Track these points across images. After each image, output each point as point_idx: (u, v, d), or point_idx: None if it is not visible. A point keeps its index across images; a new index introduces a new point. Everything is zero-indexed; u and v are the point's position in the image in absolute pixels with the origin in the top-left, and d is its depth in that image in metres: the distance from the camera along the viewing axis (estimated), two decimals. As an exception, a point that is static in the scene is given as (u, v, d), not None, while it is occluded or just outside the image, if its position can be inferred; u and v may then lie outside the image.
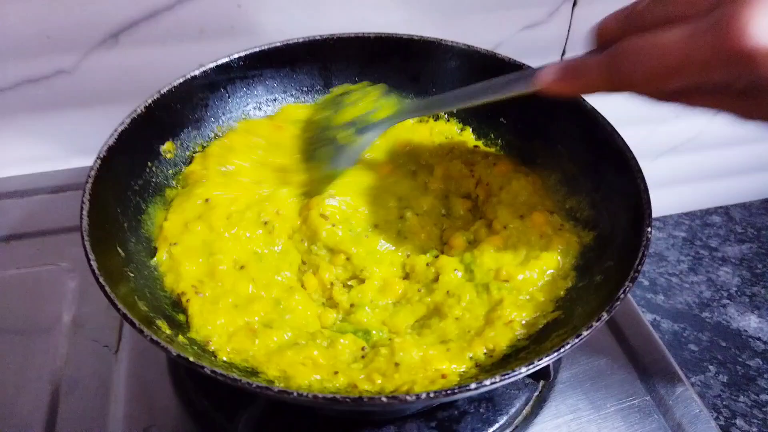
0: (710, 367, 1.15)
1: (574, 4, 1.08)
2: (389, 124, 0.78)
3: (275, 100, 0.91)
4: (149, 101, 0.77)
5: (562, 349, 0.52)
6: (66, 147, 1.05)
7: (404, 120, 0.81)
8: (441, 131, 0.90)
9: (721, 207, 1.48)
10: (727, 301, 1.27)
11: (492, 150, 0.88)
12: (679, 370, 0.79)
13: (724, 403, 1.09)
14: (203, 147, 0.85)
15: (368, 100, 0.80)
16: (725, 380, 1.13)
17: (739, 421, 1.07)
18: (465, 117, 0.90)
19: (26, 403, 0.74)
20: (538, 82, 0.59)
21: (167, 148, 0.81)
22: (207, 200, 0.76)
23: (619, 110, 0.78)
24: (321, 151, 0.80)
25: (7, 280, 0.87)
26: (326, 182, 0.78)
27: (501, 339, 0.63)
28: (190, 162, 0.83)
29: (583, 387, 0.76)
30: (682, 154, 1.41)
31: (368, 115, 0.78)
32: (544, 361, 0.51)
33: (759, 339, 1.20)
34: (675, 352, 1.18)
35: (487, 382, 0.49)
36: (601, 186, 0.75)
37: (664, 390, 0.76)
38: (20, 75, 0.96)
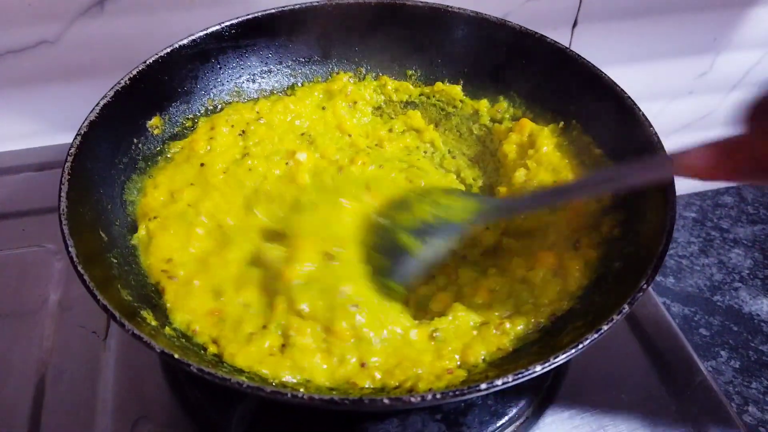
0: (722, 352, 1.13)
1: (588, -29, 1.03)
2: (462, 229, 0.66)
3: (270, 71, 0.86)
4: (134, 72, 0.73)
5: (581, 346, 0.48)
6: (51, 122, 1.01)
7: (483, 223, 0.69)
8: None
9: (732, 187, 1.44)
10: (739, 284, 1.24)
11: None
12: (698, 360, 0.76)
13: (737, 389, 1.07)
14: (193, 122, 0.80)
15: (439, 199, 0.69)
16: (737, 366, 1.11)
17: (751, 408, 1.05)
18: (475, 92, 0.86)
19: (10, 392, 0.70)
20: (681, 167, 0.51)
21: (154, 123, 0.77)
22: (202, 164, 0.75)
23: (630, 87, 0.74)
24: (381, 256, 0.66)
25: (-8, 262, 0.83)
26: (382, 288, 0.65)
27: (504, 341, 0.60)
28: (182, 137, 0.79)
29: (596, 377, 0.72)
30: (695, 132, 1.37)
31: (438, 217, 0.66)
32: (561, 359, 0.47)
33: (772, 323, 1.18)
34: (686, 336, 1.15)
35: (499, 382, 0.45)
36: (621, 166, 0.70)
37: (681, 380, 0.73)
38: (1, 46, 0.91)
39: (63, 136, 1.00)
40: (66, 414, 0.68)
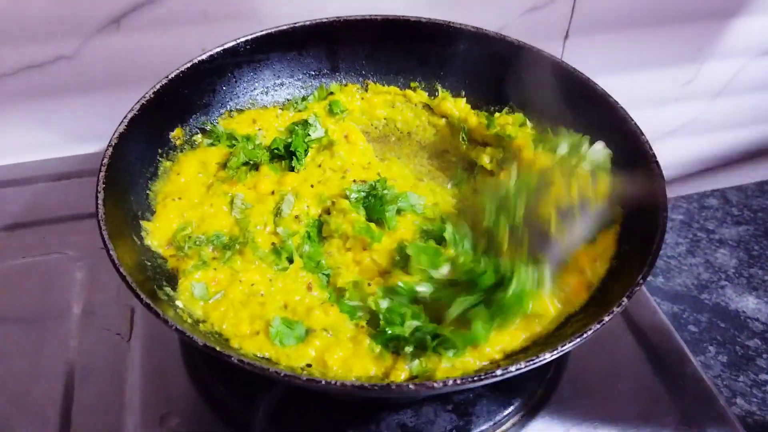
0: (710, 347, 1.17)
1: (578, -14, 1.08)
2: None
3: (282, 84, 0.90)
4: (158, 86, 0.76)
5: (585, 335, 0.52)
6: (67, 134, 1.04)
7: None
8: None
9: (717, 190, 1.49)
10: (725, 283, 1.28)
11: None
12: (688, 351, 0.80)
13: (725, 383, 1.11)
14: None
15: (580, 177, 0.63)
16: (725, 360, 1.14)
17: (739, 400, 1.09)
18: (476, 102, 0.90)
19: (40, 392, 0.73)
20: None
21: (176, 134, 0.81)
22: None
23: (620, 94, 0.78)
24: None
25: (15, 269, 0.86)
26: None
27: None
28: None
29: (594, 370, 0.77)
30: (680, 138, 1.42)
31: (582, 199, 0.62)
32: (568, 347, 0.51)
33: (757, 320, 1.21)
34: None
35: (512, 369, 0.50)
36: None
37: (672, 370, 0.78)
38: (21, 61, 0.94)
39: (78, 147, 1.03)
40: (95, 411, 0.71)
